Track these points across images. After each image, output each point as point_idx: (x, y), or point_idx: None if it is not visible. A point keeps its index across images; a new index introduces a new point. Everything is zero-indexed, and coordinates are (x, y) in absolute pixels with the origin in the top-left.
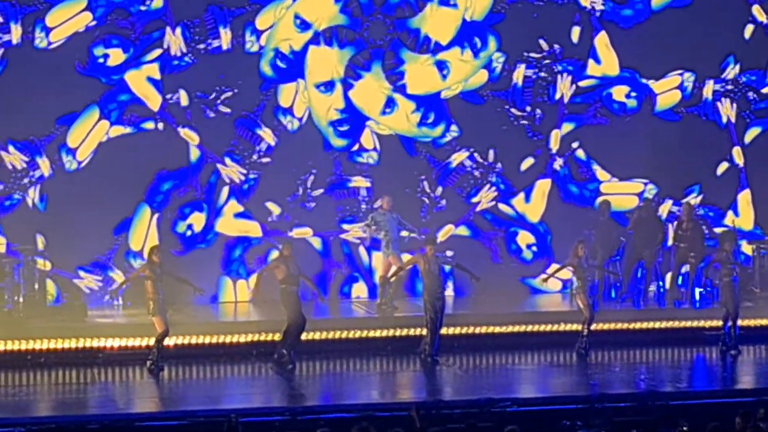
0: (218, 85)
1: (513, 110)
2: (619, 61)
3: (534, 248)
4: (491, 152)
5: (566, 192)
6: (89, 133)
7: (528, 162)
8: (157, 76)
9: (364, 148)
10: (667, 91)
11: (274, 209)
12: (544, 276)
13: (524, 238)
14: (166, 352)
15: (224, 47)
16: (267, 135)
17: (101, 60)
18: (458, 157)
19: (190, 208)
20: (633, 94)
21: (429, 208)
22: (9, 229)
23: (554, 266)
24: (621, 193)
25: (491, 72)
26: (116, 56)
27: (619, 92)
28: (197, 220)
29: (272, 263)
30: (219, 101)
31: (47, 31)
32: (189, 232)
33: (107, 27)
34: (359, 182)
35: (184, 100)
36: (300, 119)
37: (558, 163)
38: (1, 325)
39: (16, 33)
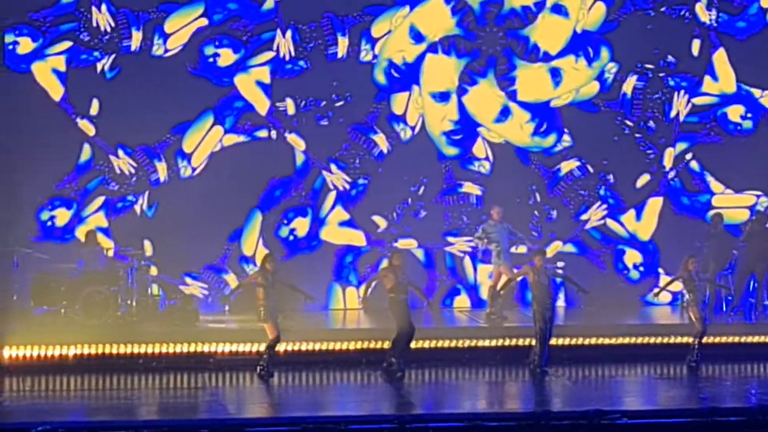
0: (330, 92)
1: (626, 122)
2: (735, 75)
3: (641, 268)
4: (603, 163)
5: (678, 203)
6: (203, 139)
7: (644, 179)
8: (267, 80)
9: (476, 156)
10: None
11: (381, 223)
12: (656, 290)
13: (631, 257)
14: (277, 358)
15: (340, 54)
16: (381, 141)
17: (211, 60)
18: (568, 166)
19: (294, 212)
20: (749, 115)
21: (539, 219)
22: (118, 233)
23: (665, 278)
24: (732, 207)
25: (603, 82)
26: (226, 56)
27: (735, 112)
28: (301, 225)
29: (381, 272)
30: (330, 109)
31: (165, 37)
32: (291, 237)
33: (219, 27)
34: (470, 188)
35: (291, 109)
36: (413, 128)
37: (671, 174)
38: (114, 329)
39: (136, 39)
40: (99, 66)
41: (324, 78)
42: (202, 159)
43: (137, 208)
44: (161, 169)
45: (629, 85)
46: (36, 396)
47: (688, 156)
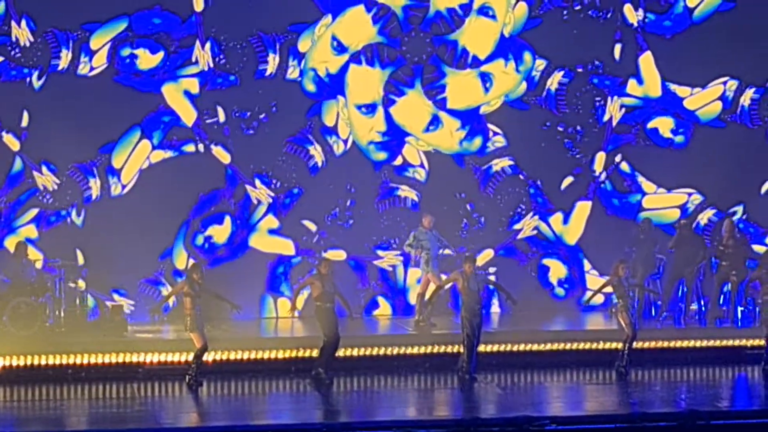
0: (257, 104)
1: (558, 127)
2: (661, 73)
3: (566, 285)
4: (533, 165)
5: (610, 205)
6: (131, 154)
7: (568, 180)
8: (195, 90)
9: (410, 163)
10: (710, 103)
11: (311, 226)
12: (588, 295)
13: (556, 271)
14: (206, 368)
15: (269, 71)
16: (317, 153)
17: (128, 61)
18: (500, 163)
19: (210, 220)
20: (680, 130)
21: (469, 226)
22: (48, 245)
23: (593, 279)
24: (663, 207)
25: (530, 80)
26: (144, 58)
27: (665, 126)
28: (217, 232)
29: (308, 279)
30: (256, 120)
31: (90, 55)
32: (207, 245)
33: (139, 35)
34: (407, 192)
35: (221, 116)
36: (345, 141)
37: (603, 177)
38: (42, 340)
39: (65, 59)
40: (28, 79)
41: (253, 92)
42: (131, 175)
43: (69, 218)
44: (95, 187)
45: (554, 80)
46: None
47: (618, 158)
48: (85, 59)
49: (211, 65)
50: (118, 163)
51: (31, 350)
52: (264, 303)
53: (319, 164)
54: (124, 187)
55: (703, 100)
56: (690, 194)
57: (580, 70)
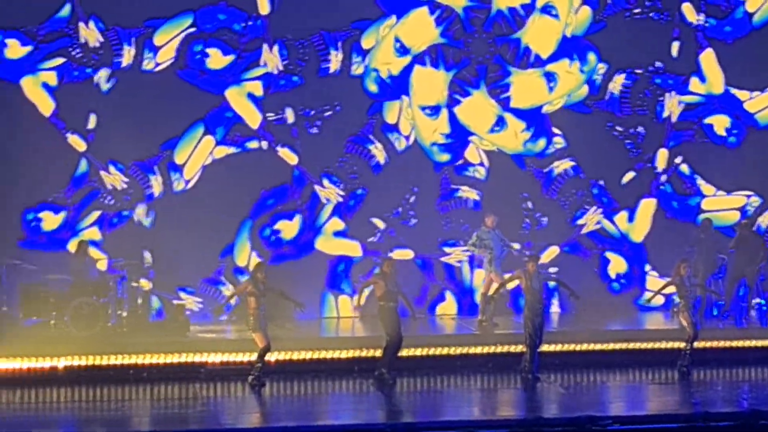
0: (322, 103)
1: (617, 128)
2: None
3: (623, 280)
4: (595, 165)
5: (669, 208)
6: (194, 150)
7: (629, 175)
8: (259, 93)
9: (470, 162)
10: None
11: (379, 224)
12: (648, 295)
13: (616, 265)
14: (268, 368)
15: (333, 69)
16: (378, 151)
17: (198, 57)
18: (562, 165)
19: (281, 216)
20: (734, 131)
21: (531, 225)
22: (113, 246)
23: (654, 280)
24: (722, 209)
25: (591, 84)
26: (216, 58)
27: (720, 125)
28: (286, 227)
29: (372, 278)
30: (320, 119)
31: (155, 51)
32: (273, 237)
33: (211, 34)
34: (467, 193)
35: (291, 117)
36: (407, 137)
37: (663, 178)
38: (104, 340)
39: (128, 55)
40: (95, 78)
41: (316, 91)
42: (194, 171)
43: (136, 217)
44: (156, 184)
45: (616, 84)
46: (26, 408)
47: (678, 159)
48: (150, 55)
49: (281, 67)
50: (180, 159)
51: (93, 350)
52: (324, 301)
53: (381, 162)
54: (187, 182)
55: (763, 104)
56: (749, 196)
57: (639, 71)
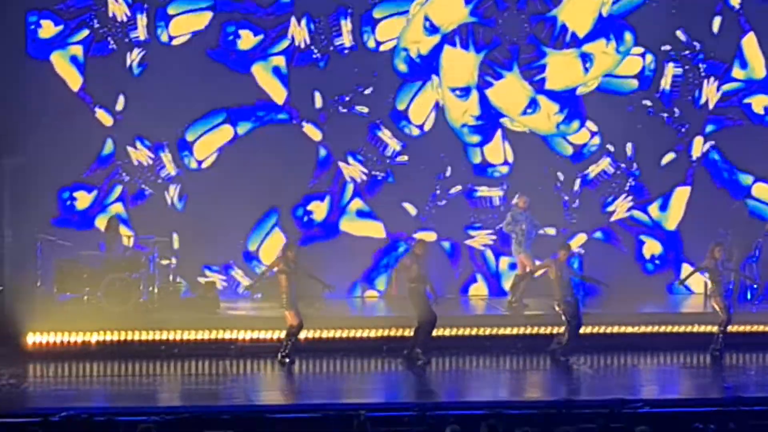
0: (349, 83)
1: (653, 108)
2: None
3: (657, 261)
4: (629, 147)
5: (720, 177)
6: (207, 132)
7: (669, 156)
8: (284, 68)
9: (490, 163)
10: None
11: (411, 210)
12: (681, 279)
13: (651, 247)
14: (298, 345)
15: (346, 43)
16: (391, 140)
17: (231, 38)
18: (597, 169)
19: (313, 198)
20: None
21: (562, 211)
22: (137, 223)
23: (688, 268)
24: None
25: (642, 79)
26: (247, 39)
27: (759, 103)
28: (318, 209)
29: (405, 260)
30: (353, 101)
31: (167, 20)
32: (306, 218)
33: (234, 14)
34: (486, 192)
35: (319, 102)
36: (421, 126)
37: (705, 147)
38: (135, 316)
39: (141, 25)
40: (128, 60)
41: (341, 68)
42: (206, 153)
43: (168, 198)
44: (167, 163)
45: (668, 77)
46: (59, 382)
47: (706, 147)
48: (162, 23)
49: (308, 41)
50: (191, 137)
51: (125, 326)
52: (355, 288)
53: (397, 149)
54: (200, 163)
55: None
56: None
57: (685, 58)
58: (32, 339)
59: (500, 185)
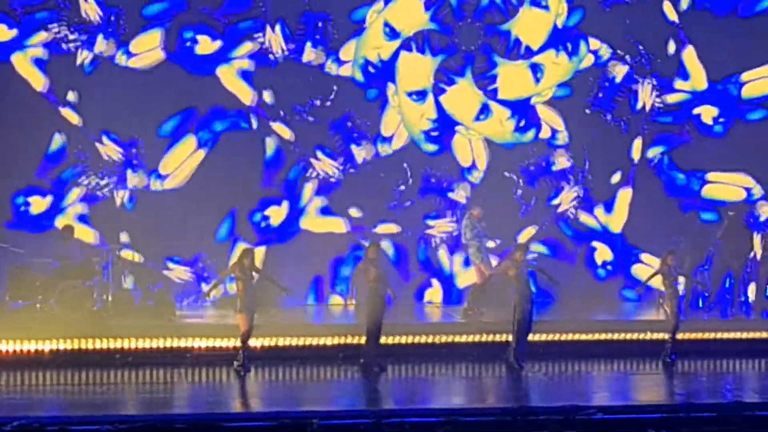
0: (308, 90)
1: (605, 115)
2: (711, 56)
3: (609, 267)
4: (585, 160)
5: (671, 185)
6: (183, 163)
7: (617, 177)
8: (251, 68)
9: (468, 167)
10: (757, 79)
11: (355, 214)
12: (639, 288)
13: (602, 253)
14: (253, 353)
15: (311, 61)
16: (359, 153)
17: (189, 44)
18: (562, 163)
19: (270, 202)
20: (721, 119)
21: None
22: (98, 222)
23: (640, 267)
24: (728, 183)
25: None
26: (205, 44)
27: (708, 114)
28: (275, 214)
29: (361, 265)
30: (308, 108)
31: (129, 55)
32: (264, 224)
33: (197, 15)
34: (460, 194)
35: (269, 99)
36: (389, 139)
37: (656, 151)
38: (89, 323)
39: (100, 46)
40: (78, 59)
41: (303, 74)
42: (179, 180)
43: (118, 199)
44: (132, 180)
45: (616, 70)
46: (12, 390)
47: (657, 157)
48: (121, 53)
49: (284, 48)
50: (165, 170)
51: (78, 334)
52: (314, 292)
53: (360, 161)
54: (163, 178)
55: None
56: (748, 189)
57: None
58: None
59: (471, 187)
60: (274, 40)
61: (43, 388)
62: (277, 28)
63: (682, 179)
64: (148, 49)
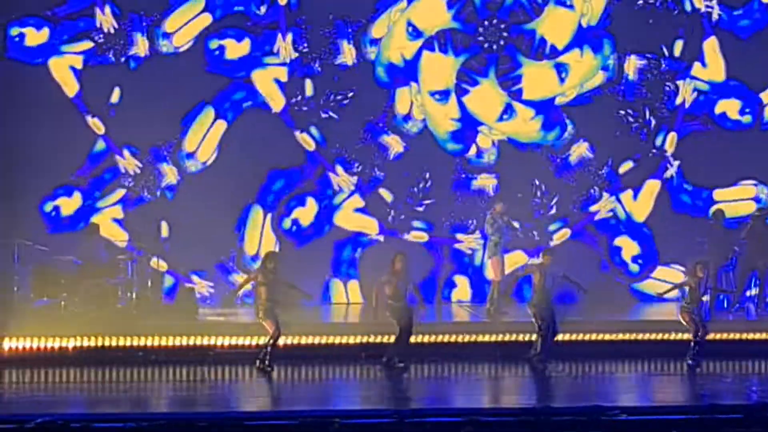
0: (340, 90)
1: (628, 115)
2: (729, 70)
3: (640, 261)
4: (607, 155)
5: (677, 201)
6: (206, 135)
7: (626, 165)
8: (284, 78)
9: (483, 149)
10: None
11: (387, 196)
12: (660, 293)
13: (629, 249)
14: (276, 352)
15: (349, 63)
16: (395, 142)
17: (217, 53)
18: (577, 150)
19: (295, 202)
20: (747, 109)
21: (543, 212)
22: (133, 225)
23: (668, 286)
24: (735, 200)
25: (606, 70)
26: (232, 47)
27: (732, 108)
28: (302, 215)
29: (384, 278)
30: (337, 103)
31: (169, 37)
32: (294, 228)
33: (222, 21)
34: (485, 180)
35: (309, 90)
36: (424, 121)
37: (670, 172)
38: (114, 322)
39: (143, 45)
40: (123, 58)
41: (333, 80)
42: (209, 153)
43: (158, 193)
44: (170, 173)
45: (630, 66)
46: (36, 388)
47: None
48: (165, 42)
49: (293, 56)
50: (191, 146)
51: (103, 332)
52: (329, 287)
53: (399, 151)
54: (204, 164)
55: None
56: (756, 185)
57: (650, 56)
58: (8, 344)
59: (494, 174)
60: (284, 48)
61: (67, 385)
62: (289, 36)
63: (688, 200)
64: (190, 18)
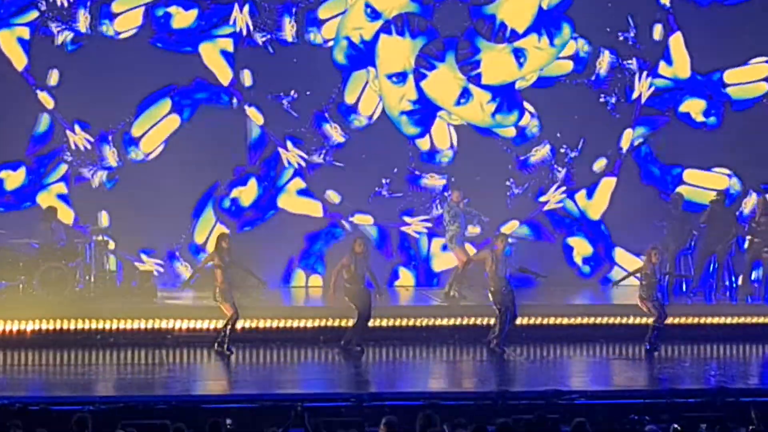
0: (290, 71)
1: (592, 102)
2: (695, 42)
3: (591, 263)
4: (563, 143)
5: (647, 173)
6: (155, 125)
7: (601, 162)
8: (231, 49)
9: (437, 149)
10: (751, 83)
11: (334, 197)
12: (616, 281)
13: (581, 250)
14: (235, 335)
15: (287, 38)
16: (335, 131)
17: (162, 21)
18: (538, 153)
19: (235, 183)
20: (712, 111)
21: (505, 198)
22: (77, 203)
23: (622, 273)
24: (704, 187)
25: (578, 61)
26: (180, 16)
27: (696, 109)
28: (242, 193)
29: (344, 260)
30: (287, 94)
31: (111, 18)
32: (233, 207)
33: None
34: (433, 180)
35: (248, 80)
36: (369, 117)
37: (638, 141)
38: (72, 304)
39: (83, 20)
40: (60, 39)
41: (284, 56)
42: (154, 145)
43: (96, 180)
44: (111, 156)
45: (603, 61)
46: None
47: (638, 141)
48: (106, 22)
49: (251, 27)
50: (138, 132)
51: (61, 315)
52: (292, 275)
53: (338, 142)
54: (147, 155)
55: (739, 78)
56: (729, 176)
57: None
58: None
59: (443, 175)
60: (240, 19)
61: (25, 368)
62: (246, 8)
63: (657, 173)
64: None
